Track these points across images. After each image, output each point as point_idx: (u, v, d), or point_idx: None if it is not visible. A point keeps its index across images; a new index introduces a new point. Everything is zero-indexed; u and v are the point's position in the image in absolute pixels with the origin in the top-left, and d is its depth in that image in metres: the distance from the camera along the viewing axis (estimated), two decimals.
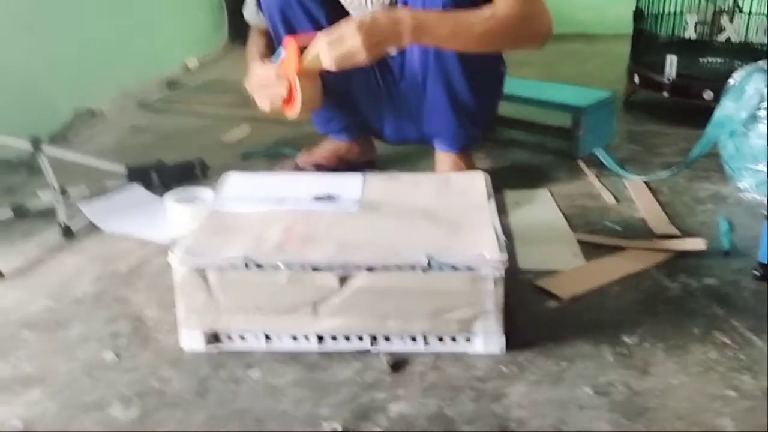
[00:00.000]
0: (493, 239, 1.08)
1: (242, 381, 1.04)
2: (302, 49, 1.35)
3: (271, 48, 1.60)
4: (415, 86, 1.57)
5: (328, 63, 1.29)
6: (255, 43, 1.65)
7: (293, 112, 1.40)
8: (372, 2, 1.51)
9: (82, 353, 1.11)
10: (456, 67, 1.48)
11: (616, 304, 1.21)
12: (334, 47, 1.28)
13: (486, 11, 1.32)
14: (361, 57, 1.27)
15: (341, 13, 1.53)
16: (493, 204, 1.20)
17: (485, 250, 1.05)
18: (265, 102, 1.43)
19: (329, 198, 1.23)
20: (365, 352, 1.09)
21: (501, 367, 1.05)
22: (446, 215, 1.17)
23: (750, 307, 1.19)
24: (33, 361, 1.09)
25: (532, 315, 1.18)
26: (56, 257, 1.41)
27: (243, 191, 1.28)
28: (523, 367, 1.06)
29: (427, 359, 1.08)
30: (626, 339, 1.12)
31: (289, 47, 1.36)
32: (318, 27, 1.54)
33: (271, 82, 1.40)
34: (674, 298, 1.23)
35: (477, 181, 1.29)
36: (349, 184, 1.28)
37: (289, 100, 1.39)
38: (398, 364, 1.06)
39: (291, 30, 1.56)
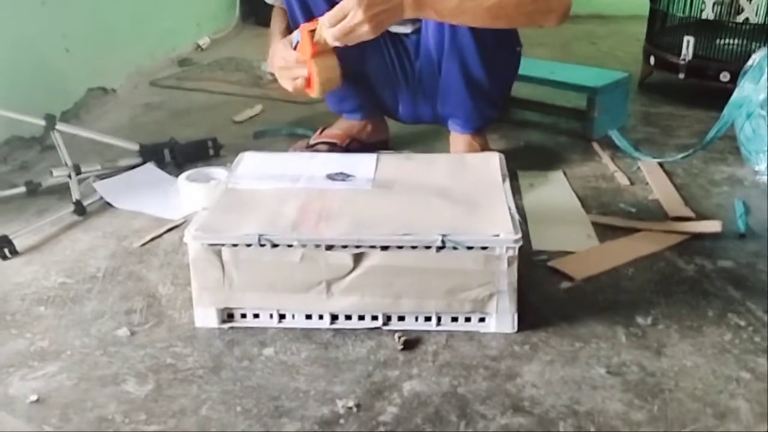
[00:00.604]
0: (507, 219, 1.08)
1: (256, 358, 1.04)
2: (314, 33, 1.34)
3: (291, 27, 1.59)
4: (430, 66, 1.55)
5: (330, 38, 1.26)
6: (277, 22, 1.62)
7: (313, 93, 1.40)
8: None
9: (97, 329, 1.12)
10: (471, 46, 1.47)
11: (630, 285, 1.21)
12: (334, 22, 1.25)
13: None
14: (364, 30, 1.24)
15: None
16: (507, 184, 1.20)
17: (500, 230, 1.05)
18: (288, 84, 1.43)
19: (343, 176, 1.23)
20: (378, 331, 1.09)
21: (514, 347, 1.05)
22: (461, 195, 1.16)
23: (766, 290, 1.18)
24: (48, 337, 1.10)
25: (545, 295, 1.18)
26: (70, 234, 1.42)
27: (257, 170, 1.28)
28: (536, 346, 1.06)
29: (440, 338, 1.08)
30: (640, 320, 1.11)
31: (302, 33, 1.36)
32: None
33: (292, 65, 1.40)
34: (689, 279, 1.22)
35: (492, 161, 1.28)
36: (363, 164, 1.28)
37: (309, 82, 1.39)
38: (411, 342, 1.07)
39: (307, 11, 1.54)
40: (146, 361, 1.04)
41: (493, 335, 1.08)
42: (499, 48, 1.52)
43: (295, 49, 1.40)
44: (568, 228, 1.40)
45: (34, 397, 0.97)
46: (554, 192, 1.57)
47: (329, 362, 1.03)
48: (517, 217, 1.08)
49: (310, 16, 1.52)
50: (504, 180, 1.21)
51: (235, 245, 1.06)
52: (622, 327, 1.10)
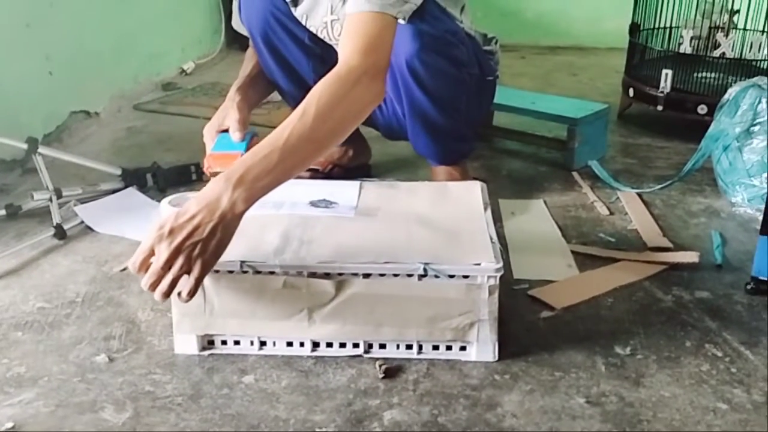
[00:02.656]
0: (489, 248, 1.09)
1: (236, 386, 1.04)
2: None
3: (259, 76, 1.60)
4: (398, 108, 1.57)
5: (145, 288, 0.99)
6: (244, 69, 1.62)
7: None
8: (333, 27, 1.50)
9: (75, 355, 1.11)
10: (426, 103, 1.46)
11: (609, 315, 1.22)
12: (139, 266, 0.99)
13: (297, 110, 1.06)
14: (177, 268, 0.97)
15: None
16: (489, 213, 1.21)
17: (481, 259, 1.06)
18: (206, 136, 1.43)
19: (326, 203, 1.23)
20: (359, 359, 1.09)
21: (495, 376, 1.06)
22: (443, 223, 1.17)
23: (742, 321, 1.20)
24: (25, 363, 1.09)
25: (525, 324, 1.19)
26: (50, 258, 1.41)
27: None
28: (516, 376, 1.06)
29: (421, 366, 1.08)
30: (619, 350, 1.12)
31: (208, 159, 1.35)
32: (302, 47, 1.55)
33: (206, 139, 1.43)
34: (667, 310, 1.24)
35: (474, 191, 1.30)
36: (347, 191, 1.29)
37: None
38: (392, 370, 1.07)
39: (275, 52, 1.56)
40: (124, 389, 1.03)
41: (473, 364, 1.08)
42: (459, 93, 1.51)
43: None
44: (548, 257, 1.41)
45: (9, 425, 0.96)
46: (535, 221, 1.58)
47: (310, 390, 1.03)
48: (498, 246, 1.09)
49: (277, 54, 1.54)
50: (486, 209, 1.23)
51: (216, 271, 1.06)
52: (601, 357, 1.11)
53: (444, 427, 0.96)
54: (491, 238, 1.12)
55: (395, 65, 1.39)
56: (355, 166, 1.78)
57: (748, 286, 1.28)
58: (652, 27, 2.21)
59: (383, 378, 1.05)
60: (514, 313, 1.21)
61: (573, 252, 1.42)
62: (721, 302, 1.26)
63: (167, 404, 1.00)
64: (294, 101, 1.64)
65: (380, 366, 1.07)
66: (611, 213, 1.62)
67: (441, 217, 1.20)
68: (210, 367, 1.08)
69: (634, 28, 2.23)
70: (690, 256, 1.39)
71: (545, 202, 1.66)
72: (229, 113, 1.43)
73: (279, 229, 1.14)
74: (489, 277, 1.05)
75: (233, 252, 1.07)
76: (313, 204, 1.23)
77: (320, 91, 1.07)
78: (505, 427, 0.96)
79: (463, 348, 1.10)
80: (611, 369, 1.08)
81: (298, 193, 1.28)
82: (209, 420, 0.97)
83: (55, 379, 1.05)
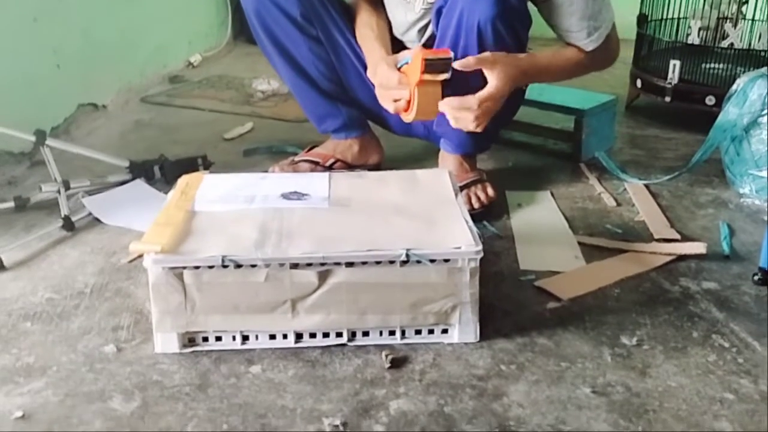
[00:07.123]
0: (466, 232, 1.09)
1: (243, 375, 1.04)
2: (428, 62, 1.30)
3: (386, 25, 1.59)
4: None
5: (474, 126, 1.36)
6: (367, 26, 1.57)
7: (408, 118, 1.38)
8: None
9: (84, 345, 1.12)
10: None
11: (616, 305, 1.22)
12: (488, 111, 1.36)
13: (576, 58, 1.53)
14: (472, 125, 1.36)
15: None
16: (460, 199, 1.22)
17: (461, 243, 1.06)
18: (386, 103, 1.42)
19: (298, 195, 1.22)
20: (366, 349, 1.09)
21: (501, 366, 1.06)
22: (417, 210, 1.17)
23: (749, 312, 1.20)
24: (34, 353, 1.10)
25: (532, 315, 1.19)
26: (58, 249, 1.42)
27: (214, 192, 1.24)
28: (522, 366, 1.06)
29: (428, 356, 1.08)
30: (626, 341, 1.12)
31: (415, 58, 1.32)
32: (296, 25, 1.57)
33: (393, 86, 1.39)
34: (674, 300, 1.23)
35: (443, 177, 1.30)
36: (316, 182, 1.28)
37: (407, 105, 1.37)
38: (398, 361, 1.07)
39: (269, 32, 1.58)
40: (133, 378, 1.04)
41: (479, 354, 1.08)
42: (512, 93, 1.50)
43: (399, 69, 1.39)
44: (555, 248, 1.41)
45: (19, 414, 0.97)
46: (542, 212, 1.58)
47: (316, 380, 1.03)
48: (475, 229, 1.10)
49: (285, 53, 1.59)
50: (456, 195, 1.23)
51: (197, 268, 1.05)
52: (608, 347, 1.11)
53: (450, 416, 0.96)
54: (467, 222, 1.12)
55: (466, 25, 1.37)
56: (361, 164, 1.76)
57: (756, 277, 1.28)
58: (659, 18, 2.20)
59: (389, 368, 1.05)
60: (520, 303, 1.21)
61: (580, 243, 1.42)
62: (728, 293, 1.25)
63: (175, 394, 1.01)
64: (292, 86, 1.67)
65: (386, 356, 1.07)
66: (618, 204, 1.61)
67: (414, 205, 1.20)
68: (217, 357, 1.08)
69: (642, 19, 2.22)
70: (697, 247, 1.38)
71: (552, 194, 1.66)
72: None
73: (255, 223, 1.12)
74: (470, 260, 1.06)
75: (213, 247, 1.05)
76: (285, 197, 1.22)
77: (583, 61, 1.54)
78: (511, 417, 0.96)
79: (444, 331, 1.11)
80: (617, 359, 1.08)
81: (267, 186, 1.26)
82: (217, 409, 0.97)
83: (64, 369, 1.06)
